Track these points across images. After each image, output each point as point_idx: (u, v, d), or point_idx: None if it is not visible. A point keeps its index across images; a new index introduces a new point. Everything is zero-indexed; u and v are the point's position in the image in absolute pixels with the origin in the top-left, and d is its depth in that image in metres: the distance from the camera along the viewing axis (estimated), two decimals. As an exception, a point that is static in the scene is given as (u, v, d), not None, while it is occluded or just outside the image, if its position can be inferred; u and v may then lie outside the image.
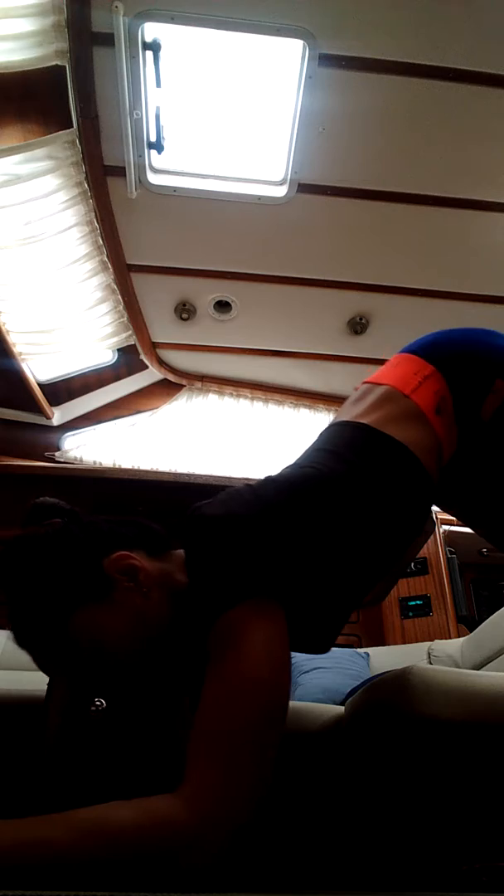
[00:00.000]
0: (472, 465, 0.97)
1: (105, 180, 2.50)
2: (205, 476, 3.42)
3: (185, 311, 3.27)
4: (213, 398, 3.95)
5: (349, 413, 0.97)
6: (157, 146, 2.36)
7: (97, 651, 0.69)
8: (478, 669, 2.16)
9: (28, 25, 2.00)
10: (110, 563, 0.73)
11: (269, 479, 0.83)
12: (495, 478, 0.98)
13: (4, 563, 0.76)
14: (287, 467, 0.88)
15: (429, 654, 2.70)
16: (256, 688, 0.61)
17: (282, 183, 2.55)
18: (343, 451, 0.88)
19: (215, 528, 0.72)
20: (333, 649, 3.09)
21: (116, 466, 3.53)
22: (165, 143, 2.36)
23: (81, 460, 3.66)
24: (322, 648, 0.86)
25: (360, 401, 0.99)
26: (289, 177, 2.50)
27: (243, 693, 0.60)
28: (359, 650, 3.09)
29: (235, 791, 0.55)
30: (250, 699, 0.60)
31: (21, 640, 0.73)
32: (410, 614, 3.83)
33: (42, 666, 0.75)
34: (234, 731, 0.58)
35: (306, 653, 0.88)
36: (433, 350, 0.99)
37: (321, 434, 0.98)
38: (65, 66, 2.12)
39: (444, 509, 1.12)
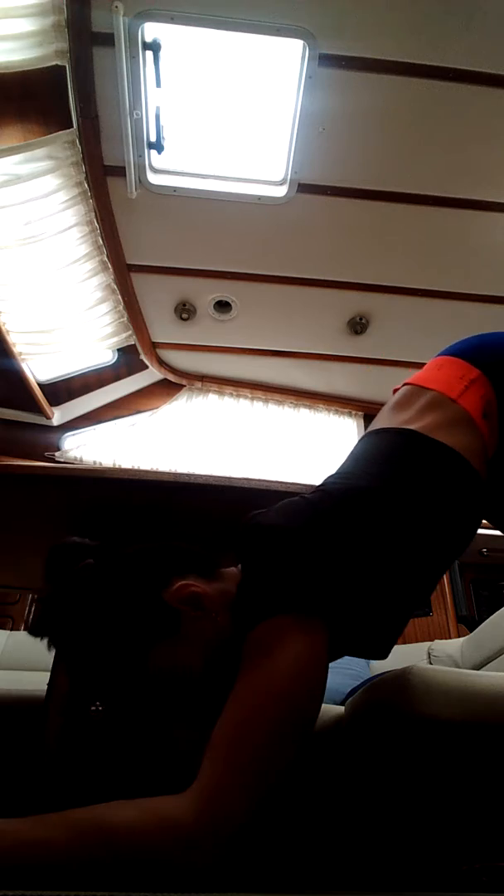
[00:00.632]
0: None
1: (105, 180, 2.51)
2: (205, 476, 3.40)
3: (185, 311, 3.27)
4: (213, 398, 3.95)
5: (395, 419, 0.96)
6: (157, 146, 2.36)
7: (177, 684, 0.69)
8: (478, 669, 2.16)
9: (28, 25, 2.00)
10: (171, 595, 0.71)
11: (324, 492, 0.82)
12: None
13: (59, 618, 0.72)
14: (337, 476, 0.87)
15: (429, 654, 2.69)
16: (281, 700, 0.61)
17: (282, 183, 2.55)
18: (394, 460, 0.87)
19: (269, 537, 0.72)
20: (333, 649, 3.04)
21: (116, 466, 3.54)
22: (165, 143, 2.36)
23: (81, 460, 3.66)
24: (381, 654, 0.85)
25: (405, 405, 0.97)
26: (289, 177, 2.50)
27: (267, 704, 0.60)
28: (359, 650, 3.08)
29: (240, 798, 0.55)
30: (273, 711, 0.60)
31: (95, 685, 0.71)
32: (410, 614, 3.82)
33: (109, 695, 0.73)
34: (251, 741, 0.58)
35: (365, 658, 0.87)
36: (477, 353, 0.98)
37: (366, 439, 0.97)
38: (65, 66, 2.12)
39: (492, 521, 1.12)
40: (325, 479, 0.88)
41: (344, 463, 0.93)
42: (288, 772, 0.60)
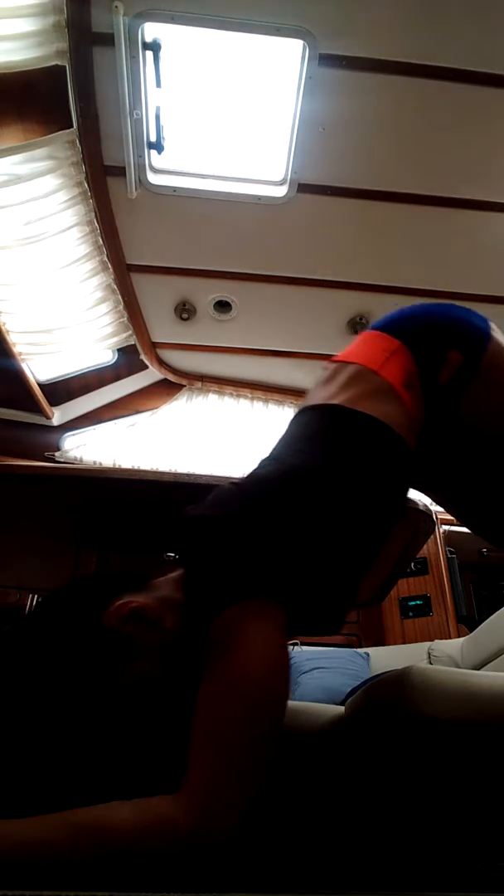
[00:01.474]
0: (438, 438, 0.98)
1: (105, 180, 2.51)
2: (205, 476, 3.41)
3: (185, 311, 3.27)
4: (213, 398, 3.95)
5: (320, 395, 0.97)
6: (157, 146, 2.36)
7: (149, 696, 0.68)
8: (478, 669, 2.16)
9: (28, 25, 2.00)
10: (112, 620, 0.68)
11: (253, 475, 0.82)
12: (455, 450, 0.99)
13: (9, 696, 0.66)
14: (267, 460, 0.87)
15: (429, 654, 2.70)
16: (251, 689, 0.60)
17: (282, 183, 2.55)
18: (320, 434, 0.88)
19: (203, 529, 0.71)
20: (333, 649, 3.09)
21: (116, 466, 3.54)
22: (165, 143, 2.36)
23: (81, 460, 3.66)
24: (332, 630, 0.85)
25: (330, 381, 0.98)
26: (289, 177, 2.50)
27: (238, 695, 0.60)
28: (359, 650, 3.09)
29: (230, 793, 0.55)
30: (245, 701, 0.60)
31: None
32: (410, 614, 3.82)
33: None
34: (230, 734, 0.58)
35: (317, 635, 0.87)
36: (398, 325, 0.99)
37: (294, 420, 0.97)
38: (65, 66, 2.12)
39: (420, 489, 1.13)
40: (259, 463, 0.87)
41: (275, 445, 0.92)
42: (273, 758, 0.60)
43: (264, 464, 0.85)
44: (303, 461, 0.82)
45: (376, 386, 0.92)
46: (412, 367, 0.93)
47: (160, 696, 0.69)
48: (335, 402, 0.91)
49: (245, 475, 0.82)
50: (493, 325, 1.00)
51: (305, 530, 0.75)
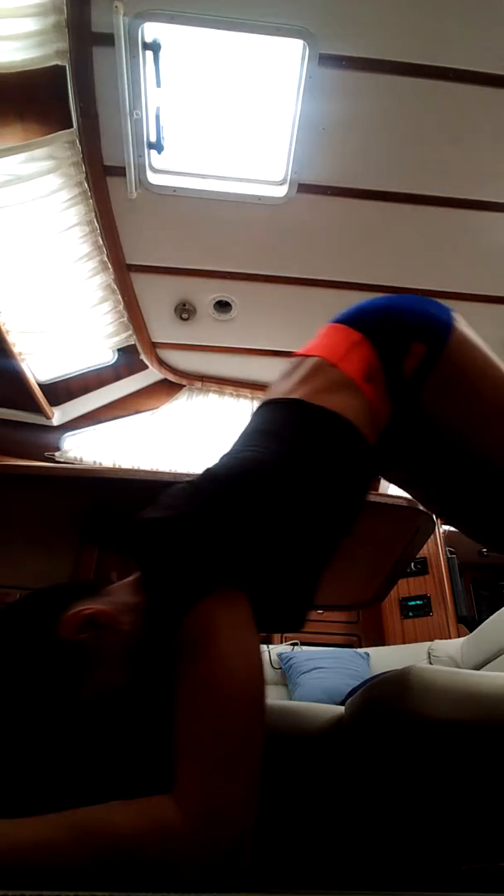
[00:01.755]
0: (408, 433, 0.97)
1: (105, 180, 2.51)
2: (205, 476, 3.42)
3: (185, 311, 3.27)
4: (213, 398, 3.95)
5: (280, 389, 0.96)
6: (157, 146, 2.36)
7: (118, 703, 0.67)
8: (478, 669, 2.16)
9: (28, 25, 2.00)
10: (65, 630, 0.66)
11: (207, 472, 0.80)
12: (424, 445, 0.98)
13: None
14: (225, 455, 0.86)
15: (429, 654, 2.70)
16: (232, 683, 0.60)
17: (282, 183, 2.55)
18: (278, 429, 0.87)
19: (158, 530, 0.69)
20: (333, 649, 3.10)
21: (116, 466, 3.54)
22: (165, 143, 2.36)
23: (81, 460, 3.66)
24: (295, 627, 0.84)
25: (290, 375, 0.98)
26: (289, 177, 2.50)
27: (220, 690, 0.59)
28: (359, 650, 3.09)
29: (224, 789, 0.55)
30: (228, 695, 0.59)
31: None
32: (410, 614, 3.83)
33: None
34: (214, 731, 0.58)
35: (280, 632, 0.87)
36: (360, 318, 0.98)
37: (255, 415, 0.96)
38: (65, 66, 2.12)
39: (391, 480, 1.13)
40: (217, 459, 0.86)
41: (235, 441, 0.91)
42: (261, 748, 0.60)
43: (219, 461, 0.84)
44: (258, 456, 0.81)
45: (336, 379, 0.91)
46: (374, 360, 0.92)
47: (130, 700, 0.68)
48: (294, 396, 0.91)
49: (200, 473, 0.81)
50: (456, 317, 0.98)
51: (262, 525, 0.74)
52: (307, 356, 0.97)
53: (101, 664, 0.66)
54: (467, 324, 1.00)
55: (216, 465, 0.82)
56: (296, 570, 0.80)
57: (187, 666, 0.62)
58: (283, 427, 0.87)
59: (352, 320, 0.98)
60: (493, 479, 0.95)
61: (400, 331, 0.94)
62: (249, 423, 0.94)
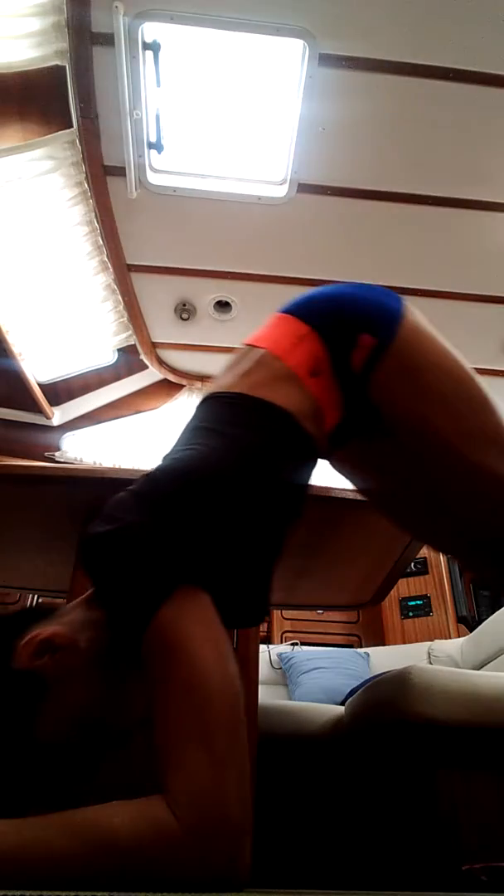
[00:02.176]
0: (360, 423, 0.96)
1: (105, 180, 2.50)
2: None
3: (185, 311, 3.27)
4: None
5: (223, 382, 0.95)
6: (157, 146, 2.36)
7: (76, 730, 0.66)
8: (478, 669, 2.16)
9: (28, 25, 2.00)
10: (22, 658, 0.66)
11: (149, 476, 0.79)
12: (375, 434, 0.96)
13: None
14: (166, 456, 0.85)
15: (429, 654, 2.70)
16: (209, 682, 0.60)
17: (282, 183, 2.55)
18: (216, 424, 0.86)
19: (105, 545, 0.68)
20: (333, 649, 3.09)
21: (116, 466, 3.53)
22: (165, 143, 2.36)
23: (81, 460, 3.66)
24: (257, 620, 0.84)
25: (234, 367, 0.96)
26: (289, 177, 2.50)
27: (198, 691, 0.59)
28: (359, 650, 3.09)
29: (226, 795, 0.54)
30: (206, 696, 0.59)
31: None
32: (410, 614, 3.83)
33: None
34: (204, 730, 0.57)
35: (243, 627, 0.86)
36: (308, 309, 0.96)
37: (196, 410, 0.95)
38: (65, 66, 2.12)
39: (341, 472, 1.11)
40: (161, 461, 0.85)
41: (178, 438, 0.90)
42: (245, 743, 0.59)
43: (162, 462, 0.84)
44: (197, 454, 0.80)
45: (279, 372, 0.90)
46: (321, 353, 0.91)
47: (100, 714, 0.68)
48: (235, 389, 0.90)
49: (141, 478, 0.80)
50: (408, 307, 0.97)
51: (207, 522, 0.73)
52: (254, 347, 0.96)
53: (63, 685, 0.65)
54: (420, 314, 0.98)
55: (157, 467, 0.81)
56: (246, 564, 0.80)
57: (161, 671, 0.61)
58: (221, 422, 0.86)
59: (301, 311, 0.97)
60: (443, 475, 0.92)
61: (348, 322, 0.92)
62: (191, 420, 0.93)
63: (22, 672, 0.65)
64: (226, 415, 0.88)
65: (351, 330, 0.91)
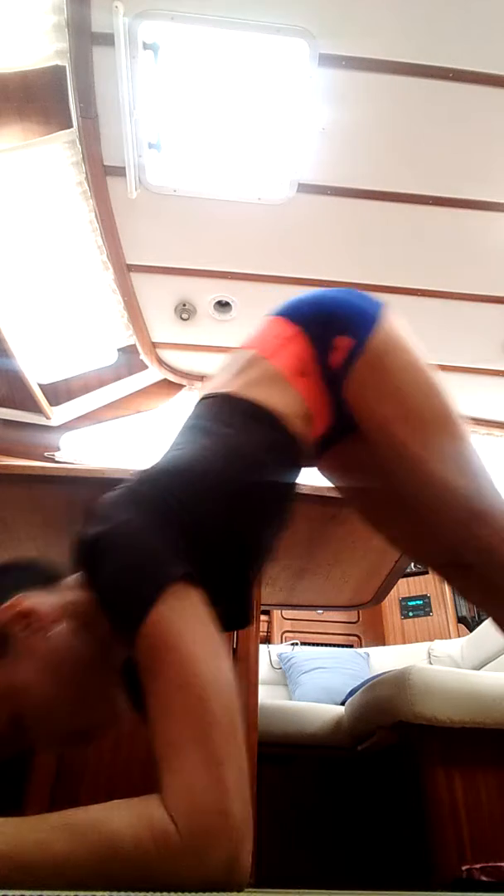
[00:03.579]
0: (343, 429, 0.97)
1: (105, 180, 2.50)
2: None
3: (185, 311, 3.27)
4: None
5: (216, 383, 0.97)
6: (157, 146, 2.36)
7: (14, 706, 0.66)
8: (478, 669, 2.16)
9: (28, 25, 2.00)
10: (1, 615, 0.68)
11: (142, 474, 0.80)
12: (356, 442, 0.97)
13: None
14: (162, 456, 0.86)
15: (429, 654, 2.70)
16: (206, 684, 0.59)
17: (282, 183, 2.55)
18: (207, 423, 0.88)
19: (100, 544, 0.69)
20: (333, 649, 3.10)
21: (116, 466, 3.53)
22: (165, 143, 2.36)
23: (81, 460, 3.66)
24: (244, 622, 0.84)
25: (227, 368, 0.99)
26: (289, 177, 2.50)
27: (193, 690, 0.59)
28: (359, 650, 3.09)
29: (224, 795, 0.54)
30: (204, 696, 0.58)
31: None
32: (410, 614, 3.83)
33: None
34: (203, 733, 0.56)
35: (231, 630, 0.86)
36: (297, 311, 0.99)
37: (193, 409, 0.97)
38: (65, 66, 2.12)
39: (326, 475, 1.12)
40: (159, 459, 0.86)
41: (174, 438, 0.92)
42: (243, 743, 0.59)
43: (157, 462, 0.84)
44: (187, 453, 0.82)
45: (267, 373, 0.92)
46: (307, 354, 0.93)
47: (39, 709, 0.67)
48: (226, 390, 0.92)
49: (134, 477, 0.80)
50: (387, 312, 0.98)
51: (196, 519, 0.74)
52: (245, 349, 0.99)
53: (19, 661, 0.67)
54: (401, 320, 1.00)
55: (151, 466, 0.82)
56: (232, 564, 0.80)
57: (154, 671, 0.61)
58: (212, 421, 0.88)
59: (290, 313, 1.00)
60: (403, 481, 0.93)
61: (330, 324, 0.95)
62: (187, 420, 0.95)
63: None
64: (217, 414, 0.89)
65: (332, 331, 0.94)
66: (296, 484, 0.94)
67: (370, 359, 0.92)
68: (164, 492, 0.75)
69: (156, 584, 0.64)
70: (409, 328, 0.99)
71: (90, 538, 0.70)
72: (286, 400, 0.89)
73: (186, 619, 0.63)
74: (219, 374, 1.00)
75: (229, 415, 0.88)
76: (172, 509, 0.73)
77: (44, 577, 0.76)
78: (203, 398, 0.96)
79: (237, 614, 0.83)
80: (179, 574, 0.65)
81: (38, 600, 0.70)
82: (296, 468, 0.94)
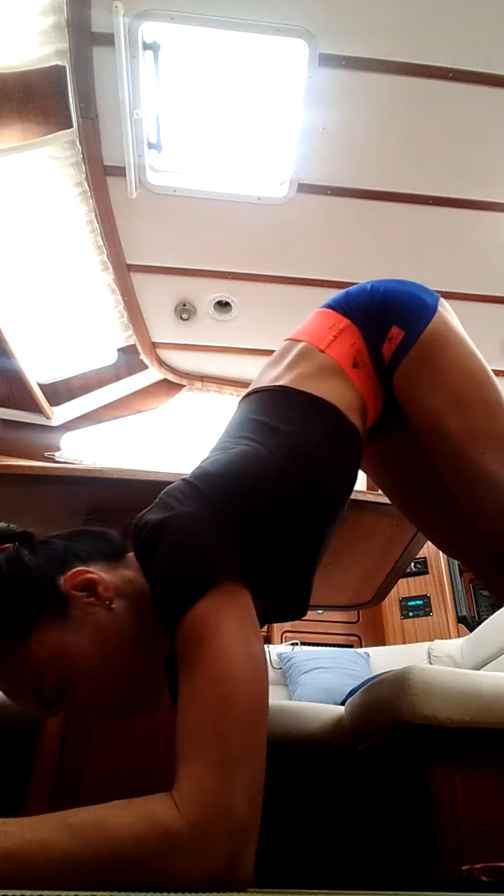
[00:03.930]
0: (388, 421, 0.96)
1: (105, 180, 2.50)
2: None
3: (185, 311, 3.27)
4: (213, 398, 3.95)
5: (267, 376, 0.96)
6: (157, 146, 2.36)
7: (63, 669, 0.67)
8: (478, 669, 2.16)
9: (28, 25, 2.00)
10: (67, 580, 0.70)
11: (202, 469, 0.80)
12: (401, 434, 0.96)
13: None
14: (217, 450, 0.86)
15: (429, 654, 2.70)
16: (236, 682, 0.59)
17: (282, 183, 2.55)
18: (266, 418, 0.86)
19: (162, 532, 0.69)
20: (333, 649, 3.10)
21: (116, 466, 3.53)
22: (165, 143, 2.36)
23: (81, 460, 3.66)
24: (299, 613, 0.84)
25: (278, 361, 0.97)
26: (289, 177, 2.50)
27: (223, 686, 0.59)
28: (359, 650, 3.09)
29: (233, 794, 0.54)
30: (232, 694, 0.59)
31: None
32: (410, 614, 3.83)
33: (14, 694, 0.69)
34: (223, 728, 0.57)
35: (284, 621, 0.86)
36: (348, 303, 0.98)
37: (240, 404, 0.96)
38: (65, 66, 2.12)
39: (366, 471, 1.10)
40: (208, 454, 0.86)
41: (223, 433, 0.91)
42: (265, 747, 0.59)
43: (211, 456, 0.84)
44: (249, 450, 0.81)
45: (322, 365, 0.90)
46: (360, 345, 0.92)
47: (86, 675, 0.68)
48: (280, 383, 0.91)
49: (194, 469, 0.81)
50: (443, 304, 0.98)
51: (259, 518, 0.74)
52: (296, 341, 0.97)
53: (69, 626, 0.68)
54: (453, 313, 0.99)
55: (208, 461, 0.82)
56: (295, 559, 0.80)
57: (189, 662, 0.61)
58: (271, 416, 0.86)
59: (340, 305, 0.98)
60: (451, 475, 0.92)
61: (382, 314, 0.94)
62: (236, 414, 0.94)
63: (58, 588, 0.69)
64: (271, 409, 0.88)
65: (385, 322, 0.93)
66: (355, 477, 0.93)
67: (423, 350, 0.91)
68: (227, 489, 0.75)
69: (205, 579, 0.64)
70: (458, 322, 0.98)
71: (151, 524, 0.70)
72: (344, 391, 0.88)
73: (229, 617, 0.63)
74: (267, 369, 0.98)
75: (286, 408, 0.87)
76: (233, 505, 0.73)
77: (111, 549, 0.77)
78: (255, 392, 0.94)
79: (294, 606, 0.83)
80: (229, 572, 0.66)
81: (106, 574, 0.72)
82: (357, 461, 0.92)
